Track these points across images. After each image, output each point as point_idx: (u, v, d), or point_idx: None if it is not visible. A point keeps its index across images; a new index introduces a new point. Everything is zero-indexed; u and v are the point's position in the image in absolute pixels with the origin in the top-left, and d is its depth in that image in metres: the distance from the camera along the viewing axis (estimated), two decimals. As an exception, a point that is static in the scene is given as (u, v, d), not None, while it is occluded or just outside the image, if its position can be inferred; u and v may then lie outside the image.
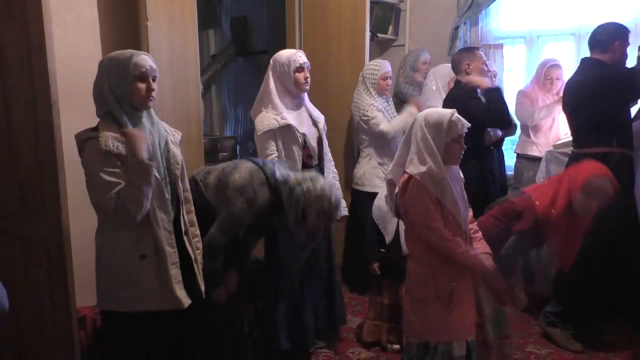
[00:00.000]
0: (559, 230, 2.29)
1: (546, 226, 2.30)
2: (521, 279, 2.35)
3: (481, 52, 3.18)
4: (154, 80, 1.85)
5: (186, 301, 1.92)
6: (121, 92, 1.81)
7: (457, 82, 3.15)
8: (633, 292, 2.84)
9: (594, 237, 2.73)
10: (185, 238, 1.99)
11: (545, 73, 3.52)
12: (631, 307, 2.89)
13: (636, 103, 3.01)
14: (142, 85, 1.81)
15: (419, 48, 4.22)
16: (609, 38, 2.80)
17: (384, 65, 3.47)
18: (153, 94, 1.85)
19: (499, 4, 4.11)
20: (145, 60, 1.83)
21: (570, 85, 2.95)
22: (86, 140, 1.81)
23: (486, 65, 3.16)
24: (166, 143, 1.94)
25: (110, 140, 1.77)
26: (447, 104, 3.03)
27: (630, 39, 2.86)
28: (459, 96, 3.00)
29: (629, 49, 2.86)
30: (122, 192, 1.77)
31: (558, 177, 2.45)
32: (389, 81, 3.49)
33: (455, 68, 3.17)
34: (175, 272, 1.90)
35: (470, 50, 3.17)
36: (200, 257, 2.11)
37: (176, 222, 1.97)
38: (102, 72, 1.84)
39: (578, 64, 2.97)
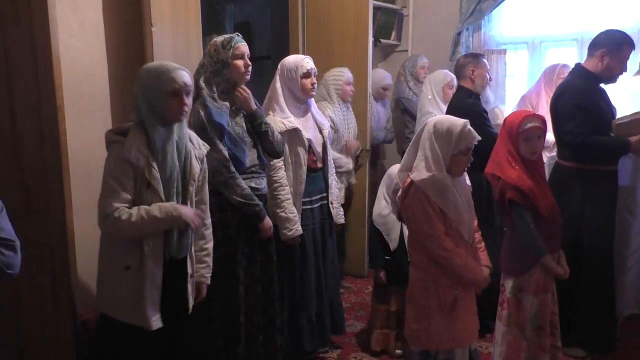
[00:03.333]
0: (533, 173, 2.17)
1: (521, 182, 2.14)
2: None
3: (486, 61, 3.15)
4: (187, 94, 1.85)
5: (155, 324, 1.85)
6: (154, 105, 1.81)
7: (460, 88, 3.13)
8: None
9: (594, 243, 2.72)
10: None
11: (559, 72, 3.38)
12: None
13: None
14: (175, 101, 1.82)
15: (416, 54, 4.26)
16: (594, 45, 2.73)
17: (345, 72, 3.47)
18: (186, 108, 1.86)
19: (501, 9, 4.13)
20: (181, 76, 1.82)
21: (555, 92, 2.87)
22: (112, 143, 1.84)
23: (489, 74, 3.14)
24: (187, 157, 1.92)
25: (134, 150, 1.77)
26: (452, 111, 2.93)
27: (632, 43, 2.73)
28: (468, 103, 2.96)
29: (632, 54, 2.73)
30: (133, 220, 1.76)
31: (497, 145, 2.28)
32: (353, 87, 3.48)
33: (459, 72, 3.13)
34: (152, 294, 1.83)
35: (475, 56, 3.14)
36: (204, 271, 2.07)
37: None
38: (138, 82, 1.85)
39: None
